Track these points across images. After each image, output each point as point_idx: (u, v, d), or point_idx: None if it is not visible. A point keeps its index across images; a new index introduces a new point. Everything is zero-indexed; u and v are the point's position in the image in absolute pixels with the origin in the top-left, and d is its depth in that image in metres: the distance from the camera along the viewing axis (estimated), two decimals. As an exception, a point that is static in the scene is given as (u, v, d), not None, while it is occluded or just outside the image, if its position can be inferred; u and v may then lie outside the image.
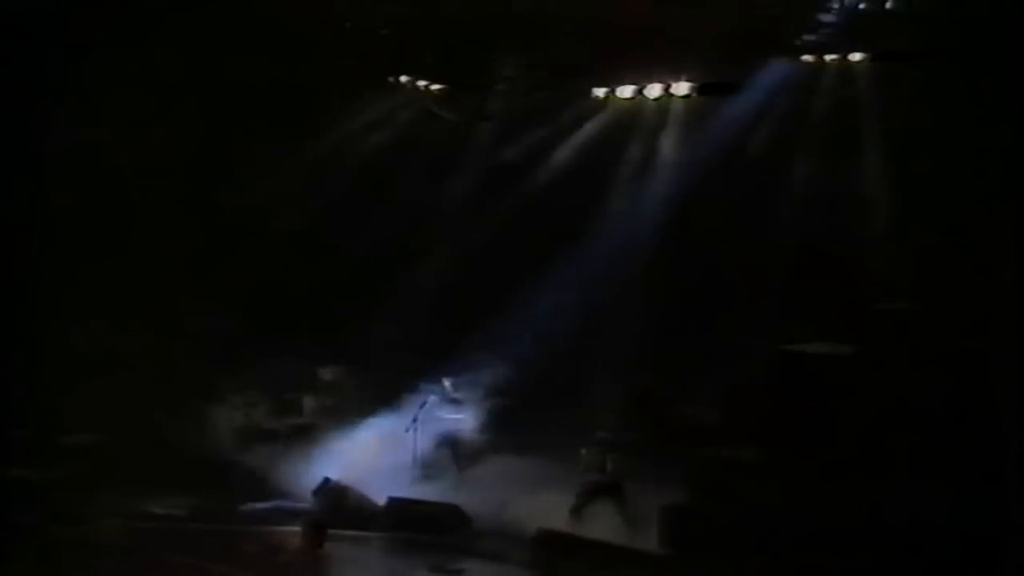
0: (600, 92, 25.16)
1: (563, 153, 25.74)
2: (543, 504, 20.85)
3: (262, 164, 25.71)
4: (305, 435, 23.63)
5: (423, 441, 23.13)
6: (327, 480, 22.06)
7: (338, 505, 21.66)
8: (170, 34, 23.62)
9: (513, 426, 23.84)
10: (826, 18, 22.28)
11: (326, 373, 25.23)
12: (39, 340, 23.56)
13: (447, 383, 24.00)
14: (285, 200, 25.87)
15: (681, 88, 24.29)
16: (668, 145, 25.05)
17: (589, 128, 25.61)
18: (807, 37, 22.85)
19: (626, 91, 24.94)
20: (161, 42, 23.78)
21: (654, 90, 24.65)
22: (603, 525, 20.33)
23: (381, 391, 23.97)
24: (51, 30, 22.82)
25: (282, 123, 25.42)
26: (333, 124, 25.82)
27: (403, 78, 26.05)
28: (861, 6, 21.68)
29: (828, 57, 23.35)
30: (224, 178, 25.89)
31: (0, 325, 23.11)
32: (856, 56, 23.10)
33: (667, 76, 24.32)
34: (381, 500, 21.72)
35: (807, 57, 23.41)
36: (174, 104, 24.74)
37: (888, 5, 21.46)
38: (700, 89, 24.10)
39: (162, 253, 25.15)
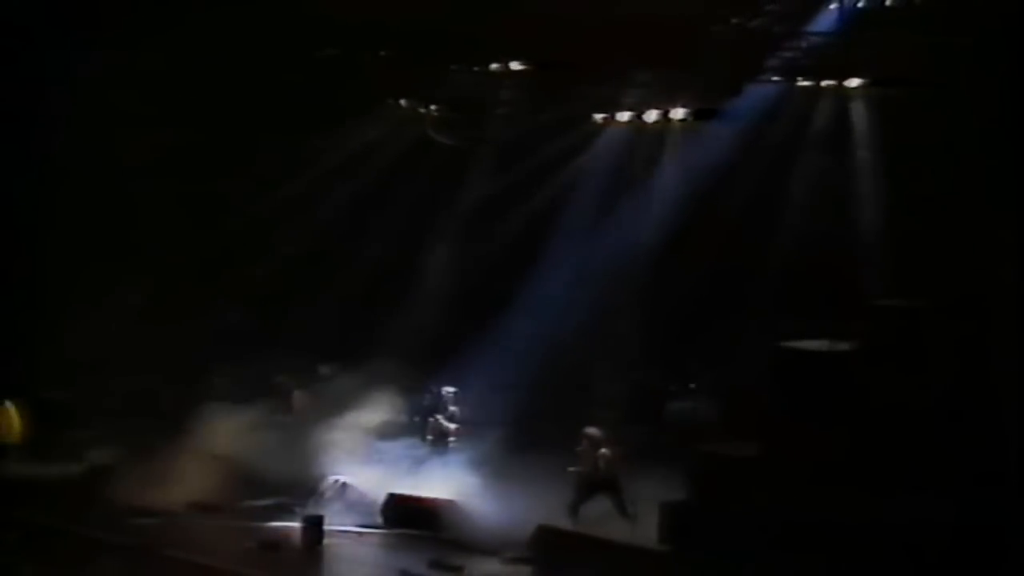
0: (599, 117, 25.33)
1: (565, 161, 25.87)
2: (542, 500, 20.79)
3: (261, 174, 25.90)
4: (305, 432, 23.57)
5: (423, 438, 23.22)
6: (327, 477, 22.10)
7: (338, 502, 21.75)
8: (177, 48, 23.88)
9: (511, 423, 23.83)
10: (821, 43, 22.42)
11: (328, 371, 25.22)
12: (42, 337, 23.72)
13: (447, 381, 24.02)
14: (288, 207, 25.98)
15: (678, 113, 24.52)
16: (667, 157, 25.17)
17: (590, 144, 25.76)
18: (805, 61, 22.98)
19: (624, 116, 25.17)
20: (167, 57, 24.07)
21: (651, 115, 24.90)
22: (600, 521, 20.32)
23: (381, 389, 23.92)
24: (54, 34, 23.09)
25: (283, 133, 25.57)
26: (334, 136, 25.93)
27: (403, 101, 26.13)
28: (860, 3, 21.82)
29: (825, 82, 23.56)
30: (223, 184, 26.00)
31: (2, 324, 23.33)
32: (852, 76, 23.28)
33: (664, 102, 24.51)
34: (380, 496, 21.80)
35: (805, 81, 23.56)
36: (181, 114, 25.05)
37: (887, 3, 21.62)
38: (696, 114, 24.29)
39: (164, 253, 25.34)
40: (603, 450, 20.79)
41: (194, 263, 25.54)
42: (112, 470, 22.67)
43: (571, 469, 20.87)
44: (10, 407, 23.05)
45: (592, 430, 21.05)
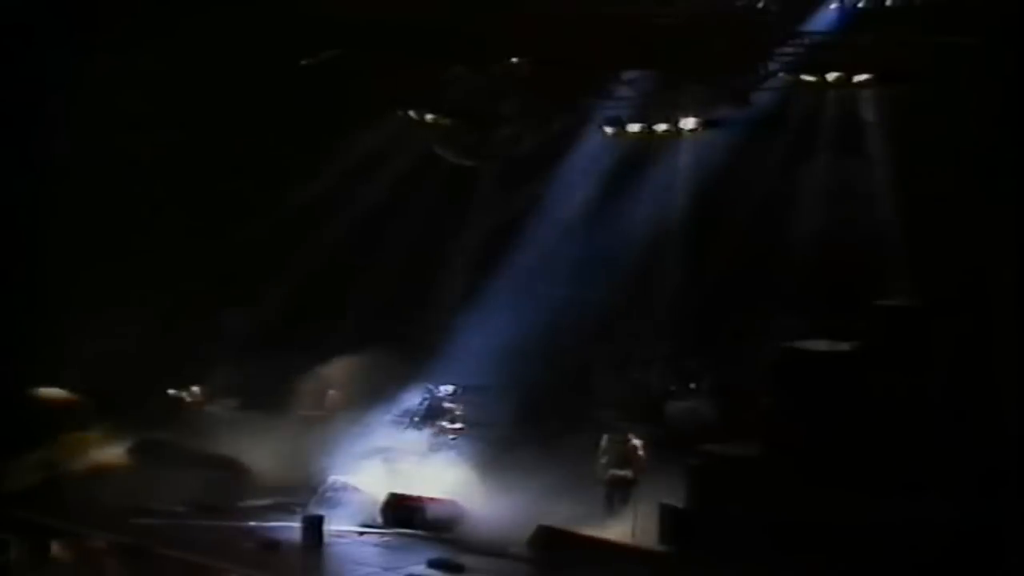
0: (609, 129, 25.38)
1: (571, 167, 25.88)
2: (542, 500, 20.77)
3: (264, 176, 25.98)
4: (305, 432, 23.63)
5: (422, 437, 23.24)
6: (326, 477, 22.10)
7: (337, 501, 21.74)
8: (177, 51, 23.96)
9: (512, 423, 23.89)
10: (822, 42, 22.48)
11: (328, 371, 25.24)
12: (43, 337, 23.78)
13: (448, 380, 24.07)
14: (292, 209, 26.03)
15: (688, 123, 24.58)
16: (671, 162, 25.23)
17: (597, 152, 25.76)
18: (806, 61, 23.00)
19: (634, 127, 25.19)
20: (168, 59, 24.15)
21: (661, 126, 24.95)
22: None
23: (381, 389, 23.99)
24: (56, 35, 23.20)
25: (286, 135, 25.61)
26: (339, 139, 25.91)
27: (411, 112, 26.04)
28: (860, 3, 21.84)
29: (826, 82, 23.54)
30: (225, 185, 26.08)
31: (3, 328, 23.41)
32: (853, 76, 23.25)
33: (675, 111, 24.56)
34: (380, 496, 21.79)
35: (808, 77, 23.53)
36: (191, 124, 25.15)
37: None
38: (705, 124, 24.33)
39: (166, 253, 25.43)
40: (633, 442, 20.96)
41: (196, 264, 25.53)
42: (114, 470, 22.82)
43: (615, 472, 20.93)
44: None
45: (618, 429, 21.33)
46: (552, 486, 20.96)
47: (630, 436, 21.20)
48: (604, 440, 21.32)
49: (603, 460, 21.18)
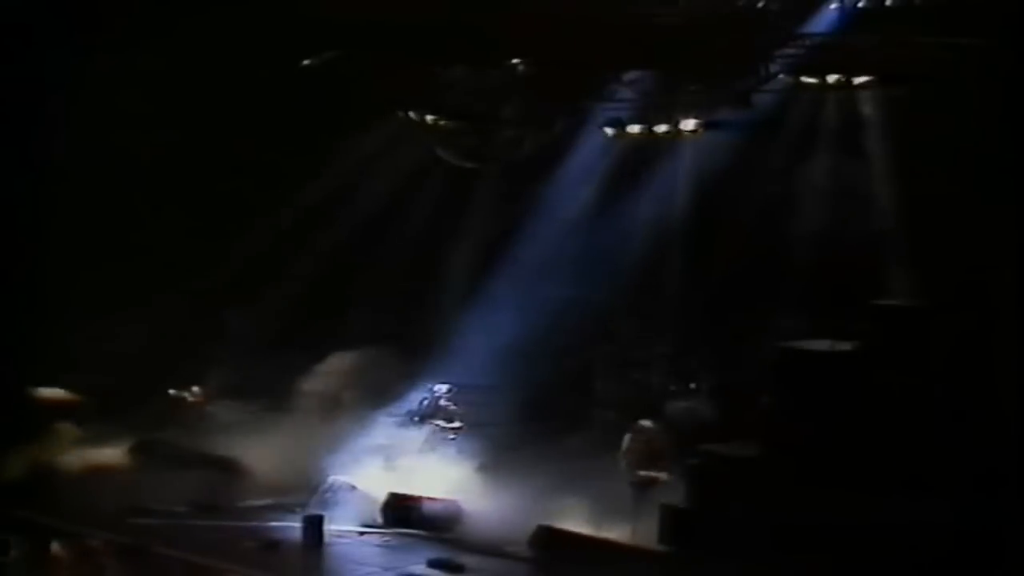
0: (609, 130, 25.35)
1: (572, 168, 25.87)
2: (543, 500, 20.77)
3: (265, 177, 25.95)
4: (305, 431, 23.61)
5: (422, 437, 23.17)
6: (326, 476, 22.06)
7: (337, 501, 21.70)
8: (183, 55, 24.00)
9: (512, 423, 23.88)
10: (822, 43, 22.45)
11: (328, 370, 25.20)
12: (44, 336, 23.82)
13: (446, 379, 24.05)
14: (291, 208, 26.02)
15: (688, 124, 24.56)
16: (673, 164, 25.22)
17: (598, 153, 25.76)
18: (807, 62, 22.99)
19: (635, 128, 25.14)
20: (172, 63, 24.20)
21: (662, 127, 24.93)
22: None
23: (382, 388, 23.98)
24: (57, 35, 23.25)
25: (287, 136, 25.61)
26: (337, 139, 25.90)
27: (411, 113, 26.00)
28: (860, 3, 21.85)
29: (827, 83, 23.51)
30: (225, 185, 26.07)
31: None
32: (854, 76, 23.23)
33: (676, 113, 24.56)
34: (380, 496, 21.79)
35: (808, 78, 23.49)
36: (191, 124, 25.18)
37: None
38: (706, 125, 24.33)
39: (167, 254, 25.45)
40: (660, 440, 20.89)
41: (196, 264, 25.54)
42: (114, 470, 22.81)
43: (642, 473, 20.75)
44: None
45: (645, 423, 21.15)
46: (552, 486, 20.96)
47: (655, 434, 21.10)
48: (626, 439, 21.16)
49: (625, 461, 21.01)
